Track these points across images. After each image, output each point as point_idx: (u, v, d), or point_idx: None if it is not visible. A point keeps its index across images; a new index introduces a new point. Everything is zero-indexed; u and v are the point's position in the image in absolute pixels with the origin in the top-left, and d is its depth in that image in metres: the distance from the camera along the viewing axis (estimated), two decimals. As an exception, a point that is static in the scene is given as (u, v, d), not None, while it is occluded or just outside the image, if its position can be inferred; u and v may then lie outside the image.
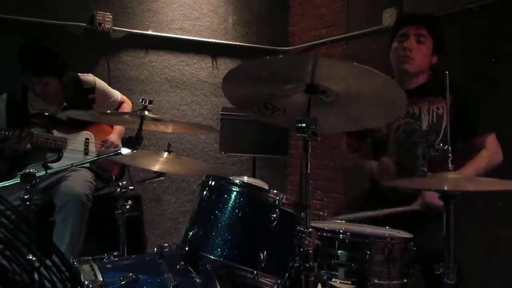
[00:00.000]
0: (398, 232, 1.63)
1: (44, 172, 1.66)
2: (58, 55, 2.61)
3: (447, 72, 1.58)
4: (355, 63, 1.25)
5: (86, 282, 1.47)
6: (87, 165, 2.71)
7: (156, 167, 2.02)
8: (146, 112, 1.71)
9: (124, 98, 3.06)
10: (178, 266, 1.62)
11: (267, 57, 1.34)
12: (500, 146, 2.10)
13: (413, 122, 2.13)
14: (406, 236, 1.58)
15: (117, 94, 3.00)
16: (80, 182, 2.56)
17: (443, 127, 2.08)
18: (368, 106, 1.44)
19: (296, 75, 1.36)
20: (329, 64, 1.32)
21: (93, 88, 2.83)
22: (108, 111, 2.60)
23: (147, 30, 3.73)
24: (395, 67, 2.17)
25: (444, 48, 2.17)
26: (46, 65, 2.57)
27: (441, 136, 2.08)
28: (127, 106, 3.04)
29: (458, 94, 1.99)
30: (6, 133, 2.48)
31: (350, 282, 1.48)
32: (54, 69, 2.59)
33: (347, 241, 1.50)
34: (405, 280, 1.51)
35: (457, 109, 2.00)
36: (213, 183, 1.74)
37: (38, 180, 1.58)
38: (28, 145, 2.54)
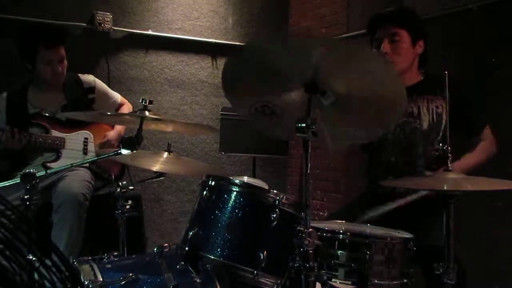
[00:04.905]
0: (398, 232, 1.63)
1: (44, 172, 1.66)
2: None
3: (446, 72, 1.58)
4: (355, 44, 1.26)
5: (86, 282, 1.47)
6: (87, 164, 2.71)
7: (156, 167, 2.02)
8: (147, 113, 1.72)
9: (124, 100, 3.05)
10: (178, 266, 1.62)
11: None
12: (495, 139, 2.11)
13: (413, 121, 2.11)
14: (406, 236, 1.58)
15: (117, 96, 3.00)
16: (77, 181, 2.54)
17: (443, 126, 2.07)
18: (368, 108, 1.44)
19: (296, 68, 1.35)
20: (331, 51, 1.31)
21: (93, 88, 2.84)
22: (108, 113, 2.59)
23: (147, 30, 3.73)
24: None
25: (423, 31, 2.15)
26: (57, 33, 2.69)
27: (440, 135, 2.07)
28: (127, 108, 3.03)
29: (456, 93, 1.99)
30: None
31: (350, 282, 1.48)
32: (64, 36, 2.69)
33: (347, 241, 1.50)
34: (405, 280, 1.51)
35: (455, 108, 1.99)
36: (213, 183, 1.74)
37: (38, 180, 1.58)
38: (23, 141, 2.52)
